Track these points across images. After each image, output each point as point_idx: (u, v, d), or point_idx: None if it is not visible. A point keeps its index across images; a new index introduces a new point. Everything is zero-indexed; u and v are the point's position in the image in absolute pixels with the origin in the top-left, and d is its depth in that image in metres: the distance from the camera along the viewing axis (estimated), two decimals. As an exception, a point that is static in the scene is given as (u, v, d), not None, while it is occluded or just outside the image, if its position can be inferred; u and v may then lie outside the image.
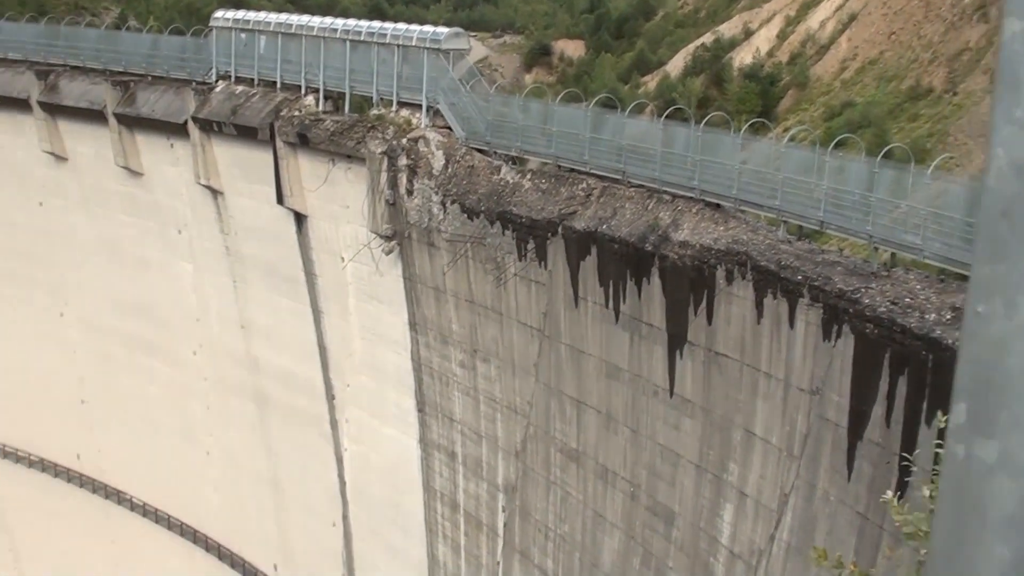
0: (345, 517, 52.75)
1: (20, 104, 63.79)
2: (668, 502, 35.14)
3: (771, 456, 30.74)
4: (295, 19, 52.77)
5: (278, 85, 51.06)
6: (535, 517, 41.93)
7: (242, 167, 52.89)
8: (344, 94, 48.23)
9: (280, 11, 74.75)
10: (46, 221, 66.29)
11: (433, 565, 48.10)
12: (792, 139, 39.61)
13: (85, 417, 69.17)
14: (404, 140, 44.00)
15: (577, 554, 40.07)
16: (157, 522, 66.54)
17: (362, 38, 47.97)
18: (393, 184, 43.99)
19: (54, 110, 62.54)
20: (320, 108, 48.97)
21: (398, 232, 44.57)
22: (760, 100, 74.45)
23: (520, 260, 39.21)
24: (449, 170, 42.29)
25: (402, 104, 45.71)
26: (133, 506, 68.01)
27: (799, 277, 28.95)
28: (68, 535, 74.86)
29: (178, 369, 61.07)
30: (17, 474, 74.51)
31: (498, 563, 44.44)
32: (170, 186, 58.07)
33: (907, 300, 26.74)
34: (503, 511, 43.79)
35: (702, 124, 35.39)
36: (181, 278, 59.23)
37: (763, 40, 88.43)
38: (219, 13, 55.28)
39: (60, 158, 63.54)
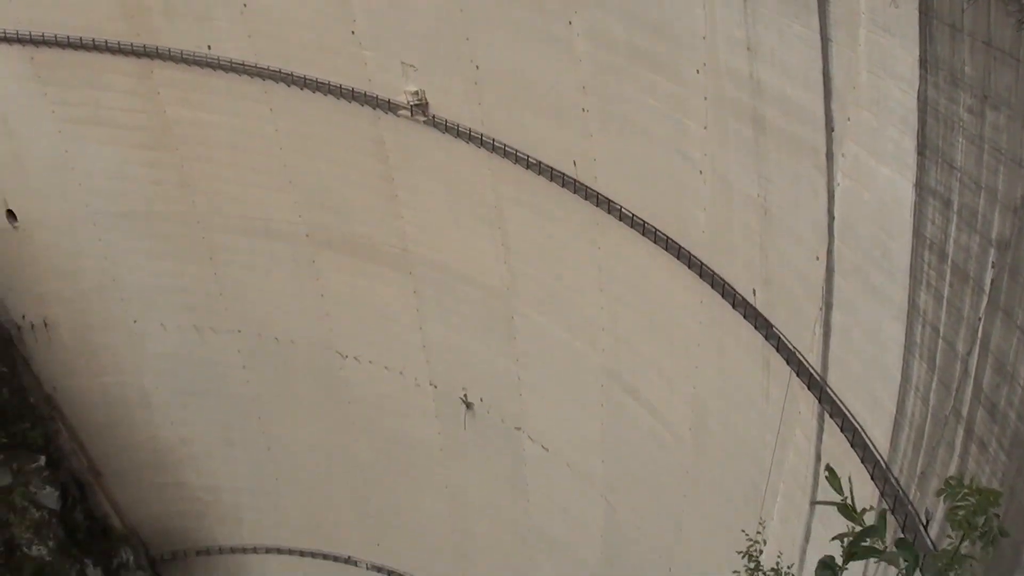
0: (829, 252, 55.65)
1: None
2: None
3: None
4: None
5: None
6: (1025, 277, 43.16)
7: None
8: None
9: None
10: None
11: (912, 311, 50.52)
12: None
13: (584, 125, 74.87)
14: None
15: (1063, 318, 41.40)
16: (643, 234, 72.32)
17: None
18: (920, -89, 44.44)
19: None
20: None
21: (920, -37, 45.28)
22: None
23: (1047, 3, 39.43)
24: (983, -101, 42.30)
25: None
26: (622, 216, 74.04)
27: None
28: (555, 236, 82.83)
29: (679, 86, 64.87)
30: (515, 174, 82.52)
31: (979, 319, 46.23)
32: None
33: None
34: (992, 267, 45.21)
35: None
36: (692, -7, 62.19)
37: None
38: None
39: None
